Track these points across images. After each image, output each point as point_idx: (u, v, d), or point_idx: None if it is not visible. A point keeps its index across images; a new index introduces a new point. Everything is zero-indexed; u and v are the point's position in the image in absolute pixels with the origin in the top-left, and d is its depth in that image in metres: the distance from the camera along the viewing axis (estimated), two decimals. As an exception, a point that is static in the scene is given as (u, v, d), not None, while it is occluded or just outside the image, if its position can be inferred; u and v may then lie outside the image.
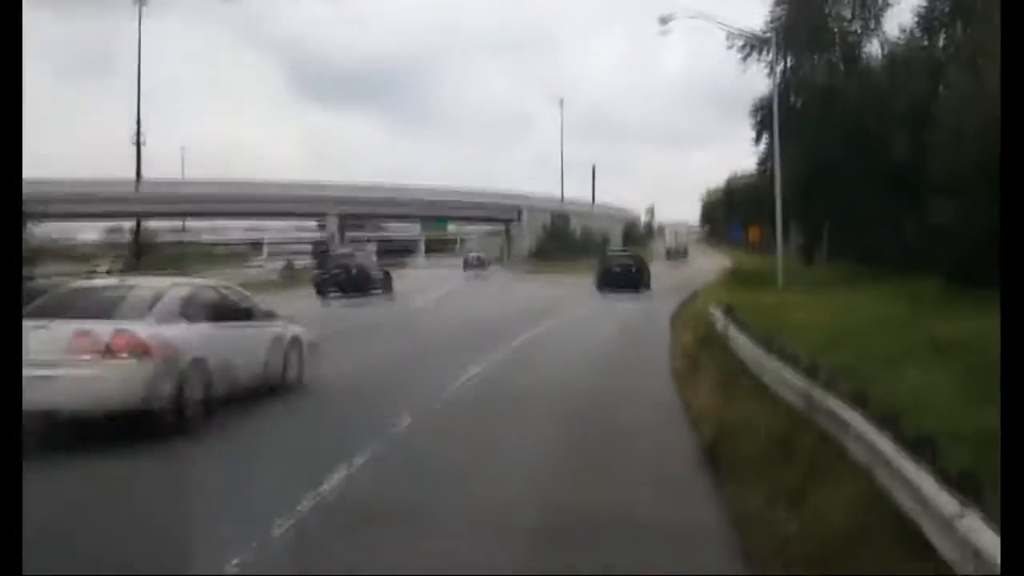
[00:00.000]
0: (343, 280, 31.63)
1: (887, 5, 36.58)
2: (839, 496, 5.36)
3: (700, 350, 13.25)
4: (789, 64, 37.19)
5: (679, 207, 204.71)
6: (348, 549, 5.25)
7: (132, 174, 67.09)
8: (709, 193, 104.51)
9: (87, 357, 7.73)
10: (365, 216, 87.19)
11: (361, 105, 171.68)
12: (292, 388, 10.55)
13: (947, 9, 35.18)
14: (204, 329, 9.03)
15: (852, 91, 33.99)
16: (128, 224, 72.74)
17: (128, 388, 7.79)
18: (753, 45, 35.83)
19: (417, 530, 5.53)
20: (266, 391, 9.97)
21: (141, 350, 7.94)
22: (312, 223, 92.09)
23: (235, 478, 6.75)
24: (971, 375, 8.89)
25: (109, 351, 7.80)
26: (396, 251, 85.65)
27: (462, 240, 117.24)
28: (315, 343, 11.48)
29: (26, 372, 5.72)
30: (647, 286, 34.75)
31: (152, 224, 74.71)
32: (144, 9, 65.81)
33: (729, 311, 14.76)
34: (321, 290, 31.61)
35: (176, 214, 77.93)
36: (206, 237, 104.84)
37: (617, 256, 40.79)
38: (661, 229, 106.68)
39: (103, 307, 8.55)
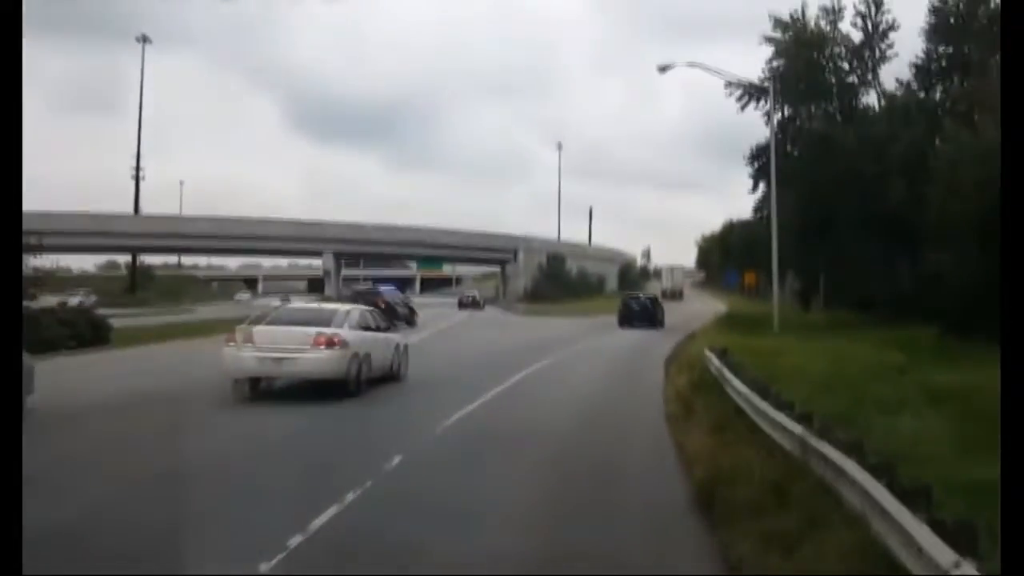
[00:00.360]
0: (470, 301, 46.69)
1: (884, 58, 37.17)
2: (833, 543, 5.32)
3: (695, 393, 13.22)
4: (786, 113, 37.63)
5: (675, 250, 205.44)
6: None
7: (131, 209, 67.57)
8: (705, 238, 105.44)
9: (322, 347, 13.26)
10: (361, 254, 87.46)
11: (360, 143, 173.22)
12: (402, 378, 16.05)
13: (944, 63, 35.76)
14: (367, 335, 14.66)
15: (849, 140, 34.35)
16: (124, 258, 73.08)
17: (337, 366, 13.37)
18: (751, 93, 36.27)
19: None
20: (389, 378, 15.45)
21: (344, 344, 13.50)
22: (306, 260, 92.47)
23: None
24: (966, 424, 8.89)
25: (331, 343, 13.34)
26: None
27: (458, 278, 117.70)
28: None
29: (280, 355, 13.03)
30: (662, 323, 38.09)
31: (148, 259, 74.93)
32: (149, 47, 67.04)
33: (724, 354, 14.75)
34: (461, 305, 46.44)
35: (173, 249, 78.21)
36: (201, 272, 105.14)
37: (636, 297, 44.61)
38: (658, 271, 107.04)
39: (321, 319, 14.26)
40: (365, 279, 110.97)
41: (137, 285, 68.86)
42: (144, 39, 66.59)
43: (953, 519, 4.45)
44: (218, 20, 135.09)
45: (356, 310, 15.52)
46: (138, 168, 68.35)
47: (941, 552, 4.10)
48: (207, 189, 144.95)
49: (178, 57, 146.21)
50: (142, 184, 68.76)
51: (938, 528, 4.34)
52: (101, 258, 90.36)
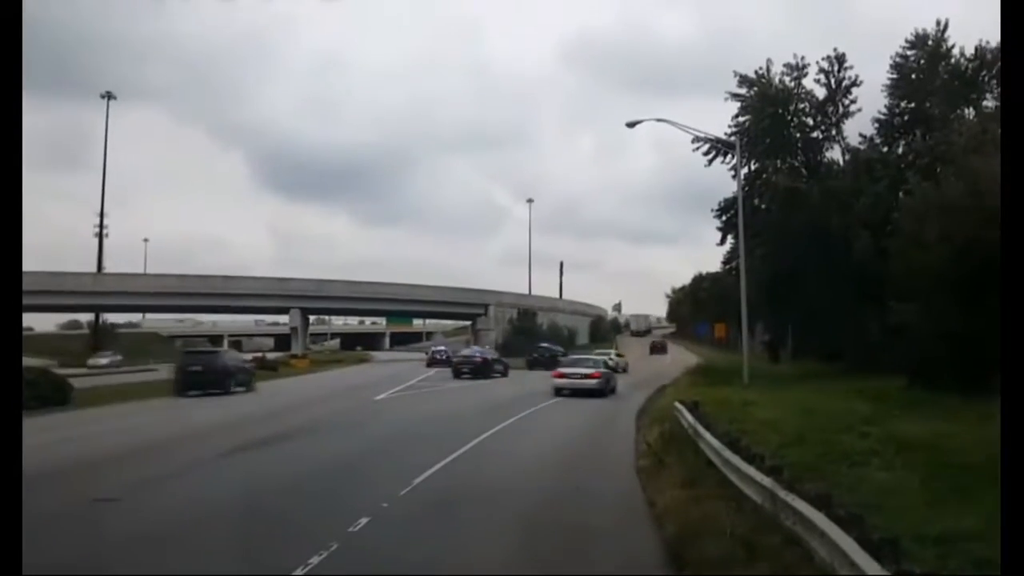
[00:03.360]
0: (472, 368, 40.50)
1: (847, 113, 38.04)
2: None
3: (666, 447, 13.18)
4: (753, 167, 38.25)
5: (646, 303, 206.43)
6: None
7: (93, 267, 66.77)
8: (675, 291, 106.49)
9: (594, 375, 28.95)
10: (329, 311, 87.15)
11: (330, 199, 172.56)
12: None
13: (906, 117, 36.72)
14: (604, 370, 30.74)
15: (814, 195, 34.96)
16: (87, 317, 72.01)
17: (602, 384, 28.68)
18: (718, 148, 36.87)
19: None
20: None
21: (601, 375, 29.29)
22: (273, 318, 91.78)
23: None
24: (933, 473, 8.92)
25: (597, 375, 29.04)
26: (361, 343, 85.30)
27: (428, 333, 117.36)
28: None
29: (578, 383, 28.46)
30: (625, 370, 43.23)
31: (111, 317, 73.81)
32: (113, 103, 67.08)
33: (695, 408, 14.76)
34: (456, 374, 39.94)
35: (136, 308, 77.09)
36: (163, 330, 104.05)
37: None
38: (627, 321, 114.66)
39: (589, 363, 31.33)
40: (333, 335, 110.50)
41: (100, 344, 67.79)
42: (108, 95, 66.66)
43: (921, 571, 4.45)
44: (184, 77, 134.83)
45: (603, 355, 27.31)
46: (101, 226, 67.89)
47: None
48: (173, 247, 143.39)
49: (144, 114, 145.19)
50: (106, 242, 68.24)
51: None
52: (63, 317, 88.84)
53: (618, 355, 50.09)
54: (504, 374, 41.58)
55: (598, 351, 46.85)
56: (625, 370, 42.99)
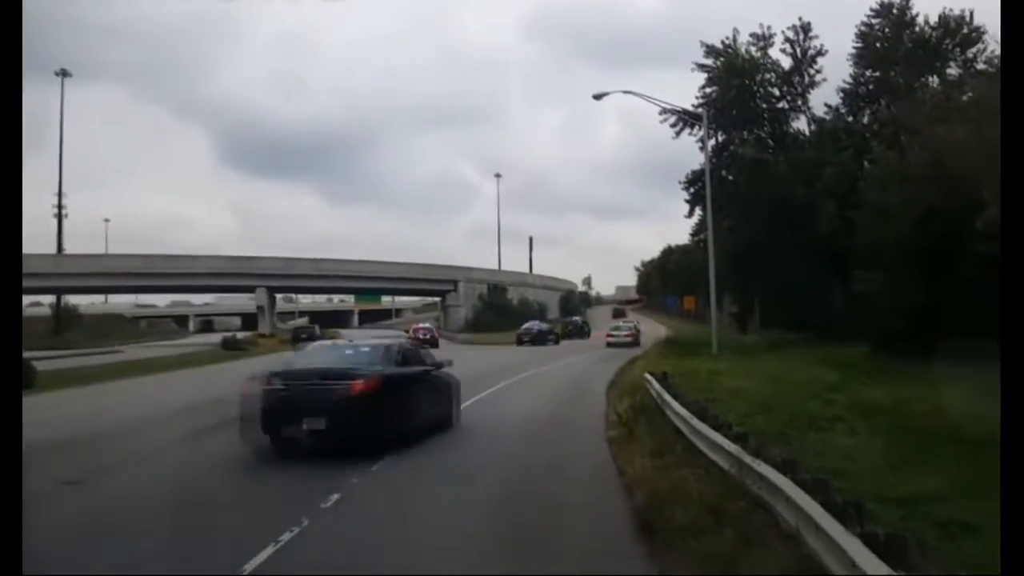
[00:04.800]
0: (531, 337, 50.66)
1: (813, 83, 38.25)
2: (770, 562, 5.38)
3: (636, 417, 13.26)
4: (720, 139, 38.41)
5: (615, 277, 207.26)
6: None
7: (53, 248, 65.57)
8: (644, 264, 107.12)
9: (630, 334, 45.09)
10: (295, 288, 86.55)
11: (295, 177, 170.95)
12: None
13: (871, 87, 36.96)
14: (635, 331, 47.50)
15: (780, 166, 35.21)
16: (48, 298, 70.83)
17: (635, 340, 43.23)
18: (685, 120, 36.91)
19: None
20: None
21: (634, 335, 45.07)
22: (238, 296, 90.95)
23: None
24: (895, 437, 9.08)
25: (632, 335, 45.30)
26: (329, 320, 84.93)
27: (398, 310, 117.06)
28: None
29: (621, 339, 44.25)
30: (588, 336, 57.85)
31: (73, 298, 72.71)
32: (71, 81, 65.61)
33: (664, 378, 14.88)
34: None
35: (99, 289, 75.94)
36: (128, 311, 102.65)
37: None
38: (598, 295, 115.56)
39: (624, 328, 47.80)
40: (301, 314, 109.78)
41: (63, 326, 66.77)
42: (63, 73, 65.33)
43: (885, 532, 4.53)
44: (143, 54, 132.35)
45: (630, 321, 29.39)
46: (60, 206, 66.74)
47: (873, 565, 4.15)
48: (135, 226, 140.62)
49: (102, 92, 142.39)
50: (65, 222, 67.07)
51: (870, 542, 4.40)
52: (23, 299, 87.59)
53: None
54: (556, 342, 51.32)
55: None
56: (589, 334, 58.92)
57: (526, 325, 56.05)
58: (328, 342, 16.96)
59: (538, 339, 49.97)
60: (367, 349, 12.78)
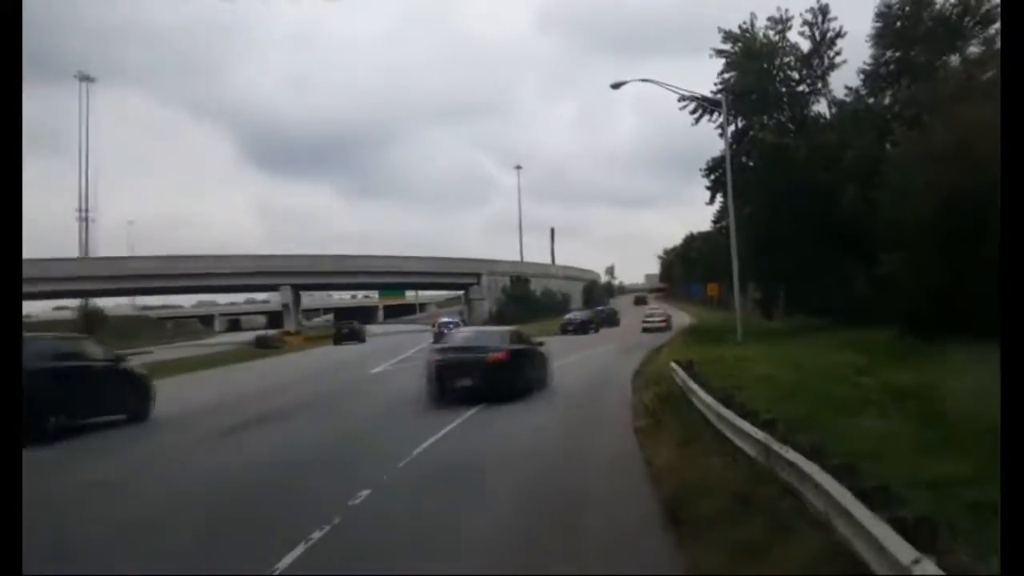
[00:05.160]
0: (574, 326, 53.10)
1: (833, 65, 37.88)
2: (799, 548, 5.39)
3: (662, 405, 13.27)
4: (740, 124, 38.15)
5: (638, 266, 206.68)
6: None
7: (77, 252, 66.27)
8: (667, 252, 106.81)
9: (663, 320, 50.13)
10: (319, 286, 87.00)
11: (315, 174, 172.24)
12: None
13: (891, 67, 36.54)
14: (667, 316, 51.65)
15: (801, 149, 34.92)
16: (74, 301, 71.81)
17: (668, 325, 49.53)
18: (704, 107, 36.72)
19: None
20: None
21: (667, 321, 50.12)
22: (263, 295, 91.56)
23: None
24: (924, 421, 9.03)
25: (664, 320, 50.37)
26: (354, 317, 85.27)
27: (421, 305, 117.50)
28: None
29: (655, 325, 49.19)
30: (618, 323, 61.64)
31: (99, 301, 73.72)
32: (91, 85, 66.24)
33: (690, 366, 14.87)
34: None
35: (124, 291, 76.70)
36: (152, 312, 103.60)
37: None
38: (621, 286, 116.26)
39: (658, 313, 54.00)
40: (326, 311, 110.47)
41: (91, 328, 67.58)
42: (86, 78, 66.05)
43: (913, 516, 4.53)
44: (162, 57, 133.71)
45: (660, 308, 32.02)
46: (84, 210, 67.53)
47: (902, 549, 4.16)
48: (158, 227, 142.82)
49: (123, 95, 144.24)
50: (90, 226, 67.81)
51: (898, 525, 4.41)
52: (48, 302, 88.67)
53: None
54: (596, 330, 53.78)
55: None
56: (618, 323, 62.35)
57: (568, 316, 58.69)
58: (467, 329, 26.26)
59: (580, 328, 52.98)
60: (496, 333, 19.81)
